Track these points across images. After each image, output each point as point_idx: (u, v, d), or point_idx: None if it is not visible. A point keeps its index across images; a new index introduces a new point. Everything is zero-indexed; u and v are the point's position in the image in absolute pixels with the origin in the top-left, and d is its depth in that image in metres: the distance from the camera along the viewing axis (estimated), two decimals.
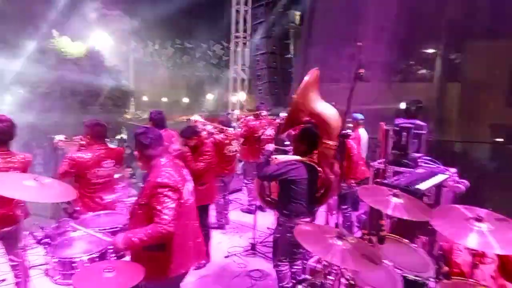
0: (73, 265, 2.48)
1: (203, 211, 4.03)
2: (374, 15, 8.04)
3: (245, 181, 6.57)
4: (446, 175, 3.90)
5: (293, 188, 3.15)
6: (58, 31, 9.17)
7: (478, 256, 3.67)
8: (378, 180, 4.06)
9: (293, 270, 3.44)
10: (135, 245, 2.25)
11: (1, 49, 8.46)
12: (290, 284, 3.32)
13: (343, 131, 2.58)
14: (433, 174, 3.87)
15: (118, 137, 9.63)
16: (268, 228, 5.26)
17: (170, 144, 4.43)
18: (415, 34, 7.39)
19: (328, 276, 2.35)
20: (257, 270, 4.30)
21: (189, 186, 2.58)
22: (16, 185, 2.30)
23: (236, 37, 11.75)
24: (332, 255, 1.98)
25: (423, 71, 7.56)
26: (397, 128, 4.36)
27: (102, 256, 2.57)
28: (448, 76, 6.97)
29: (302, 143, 3.27)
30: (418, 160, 4.29)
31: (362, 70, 2.30)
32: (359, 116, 5.69)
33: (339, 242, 2.05)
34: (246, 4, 11.53)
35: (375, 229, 2.57)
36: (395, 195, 2.52)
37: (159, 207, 2.24)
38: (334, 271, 2.33)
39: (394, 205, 2.45)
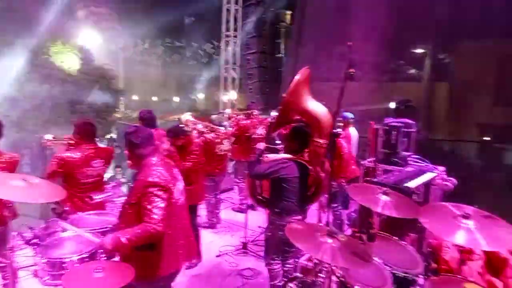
0: (62, 265, 2.46)
1: (191, 211, 4.02)
2: (364, 15, 8.11)
3: (237, 180, 6.57)
4: (435, 173, 3.95)
5: (284, 186, 3.16)
6: (44, 29, 9.00)
7: (465, 253, 3.74)
8: (368, 178, 4.10)
9: (285, 268, 3.45)
10: (124, 245, 2.23)
11: None
12: (282, 283, 3.34)
13: (334, 130, 2.60)
14: (422, 172, 3.92)
15: (108, 136, 9.54)
16: (259, 226, 5.27)
17: (161, 143, 4.41)
18: (405, 34, 7.47)
19: (319, 274, 2.36)
20: (249, 269, 4.30)
21: (180, 185, 2.58)
22: (4, 185, 2.27)
23: (227, 36, 11.73)
24: (323, 253, 1.99)
25: (412, 71, 7.64)
26: (387, 127, 4.40)
27: (92, 256, 2.55)
28: (437, 76, 7.06)
29: (293, 142, 3.28)
30: (408, 158, 4.34)
31: (352, 70, 2.32)
32: (349, 115, 5.73)
33: (330, 240, 2.07)
34: (236, 3, 11.51)
35: (365, 227, 2.59)
36: (384, 193, 2.55)
37: (148, 206, 2.24)
38: (325, 269, 2.35)
39: (384, 203, 2.47)
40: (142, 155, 2.44)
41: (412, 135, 4.59)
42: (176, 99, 25.91)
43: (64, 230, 2.76)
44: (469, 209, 2.18)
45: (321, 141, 3.11)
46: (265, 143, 3.64)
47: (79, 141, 3.53)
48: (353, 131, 5.79)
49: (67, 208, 3.41)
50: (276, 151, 3.59)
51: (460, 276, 2.44)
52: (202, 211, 5.58)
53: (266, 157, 3.35)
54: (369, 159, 4.64)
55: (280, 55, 11.49)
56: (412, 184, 3.47)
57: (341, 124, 5.45)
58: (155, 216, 2.21)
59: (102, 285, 2.03)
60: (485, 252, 3.86)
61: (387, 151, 4.39)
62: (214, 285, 4.02)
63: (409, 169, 4.04)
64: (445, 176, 4.09)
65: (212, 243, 4.97)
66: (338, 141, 4.53)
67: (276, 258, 3.34)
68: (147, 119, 4.88)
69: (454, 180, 4.01)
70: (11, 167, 3.12)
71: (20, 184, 2.29)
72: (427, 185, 3.76)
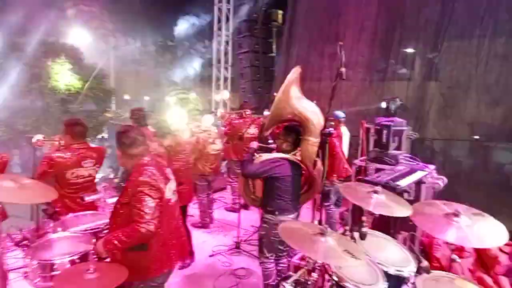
0: (53, 267, 2.43)
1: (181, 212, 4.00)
2: (355, 14, 8.14)
3: (229, 179, 6.56)
4: (425, 172, 3.99)
5: (277, 185, 3.17)
6: (33, 28, 8.84)
7: (456, 250, 3.79)
8: (360, 177, 4.13)
9: (279, 268, 3.46)
10: (116, 247, 2.22)
11: None
12: (276, 282, 3.34)
13: (326, 129, 2.61)
14: (413, 170, 3.96)
15: (99, 136, 9.44)
16: (252, 226, 5.27)
17: (152, 143, 4.38)
18: (395, 33, 7.52)
19: (312, 273, 2.37)
20: (242, 268, 4.31)
21: (172, 185, 2.56)
22: None
23: (219, 35, 11.69)
24: (316, 251, 2.00)
25: (403, 70, 7.68)
26: (378, 126, 4.44)
27: (84, 257, 2.52)
28: (427, 75, 7.11)
29: (286, 141, 3.29)
30: (399, 157, 4.38)
31: (343, 69, 2.33)
32: (341, 114, 5.75)
33: (323, 239, 2.08)
34: (228, 2, 11.47)
35: (357, 225, 2.61)
36: (376, 191, 2.57)
37: (139, 206, 2.22)
38: (318, 268, 2.36)
39: (376, 202, 2.49)
40: (134, 155, 2.42)
41: (403, 133, 4.62)
42: (168, 98, 25.73)
43: (54, 231, 2.72)
44: (460, 207, 2.20)
45: (313, 139, 3.12)
46: (258, 142, 3.64)
47: (69, 141, 3.50)
48: (344, 130, 5.81)
49: (58, 209, 3.38)
50: (268, 150, 3.60)
51: (451, 273, 2.47)
52: (195, 211, 5.57)
53: (259, 156, 3.36)
54: (360, 158, 4.67)
55: (272, 54, 11.46)
56: (403, 182, 3.50)
57: (333, 123, 5.46)
58: (146, 216, 2.20)
59: (95, 286, 2.01)
60: (476, 250, 3.92)
61: (378, 150, 4.42)
62: (207, 285, 4.01)
63: (400, 167, 4.07)
64: (435, 175, 4.13)
65: (205, 243, 4.96)
66: (331, 140, 4.55)
67: (270, 257, 3.35)
68: (139, 118, 4.85)
69: (444, 179, 4.06)
70: (0, 167, 3.08)
71: (10, 184, 2.26)
72: (418, 183, 3.80)
